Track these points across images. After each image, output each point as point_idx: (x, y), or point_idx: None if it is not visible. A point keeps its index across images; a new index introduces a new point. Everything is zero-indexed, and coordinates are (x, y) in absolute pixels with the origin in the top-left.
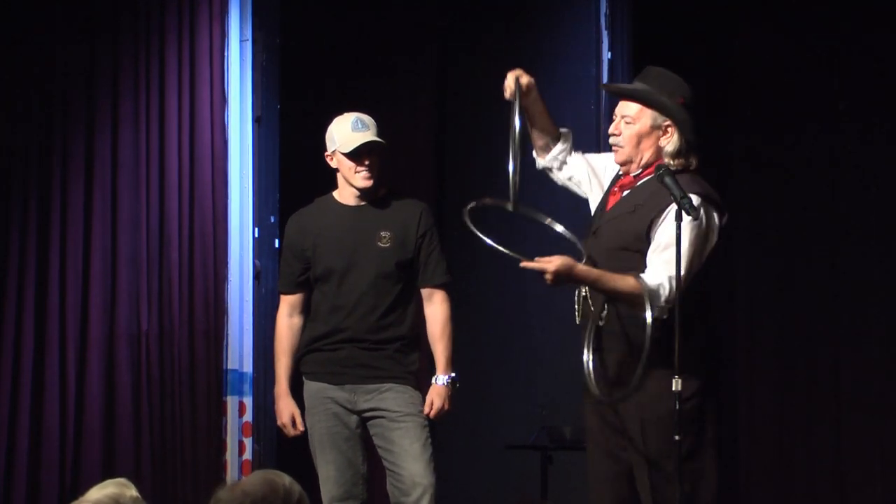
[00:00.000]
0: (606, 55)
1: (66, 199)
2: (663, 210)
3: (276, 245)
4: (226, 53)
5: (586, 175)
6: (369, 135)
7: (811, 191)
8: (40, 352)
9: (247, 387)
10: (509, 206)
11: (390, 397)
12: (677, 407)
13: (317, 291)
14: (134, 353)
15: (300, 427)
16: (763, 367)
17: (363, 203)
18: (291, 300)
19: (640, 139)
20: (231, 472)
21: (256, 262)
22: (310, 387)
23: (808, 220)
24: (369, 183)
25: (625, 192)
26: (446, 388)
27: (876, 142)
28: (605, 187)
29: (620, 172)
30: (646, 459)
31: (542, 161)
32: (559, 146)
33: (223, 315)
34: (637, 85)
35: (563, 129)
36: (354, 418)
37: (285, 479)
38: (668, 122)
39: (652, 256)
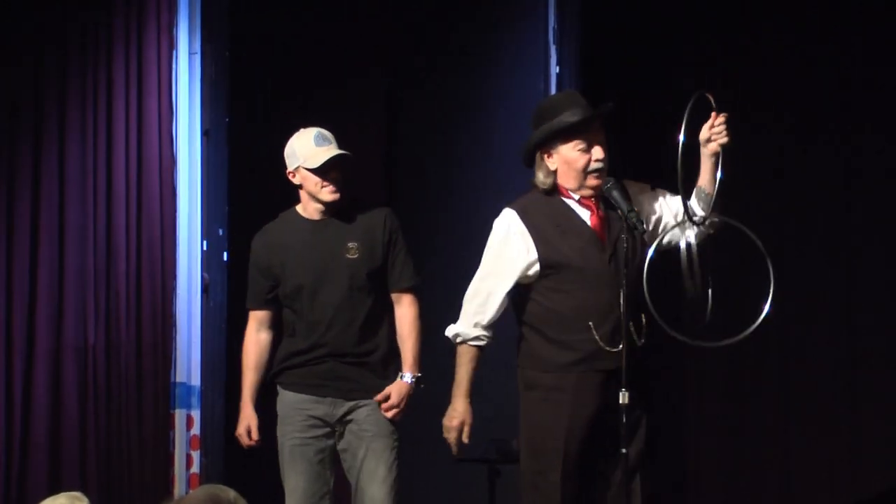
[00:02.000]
0: (555, 70)
1: (13, 211)
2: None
3: (225, 258)
4: (174, 66)
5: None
6: (333, 149)
7: (757, 202)
8: None
9: (194, 400)
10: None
11: (366, 415)
12: (624, 420)
13: (288, 311)
14: (81, 366)
15: (255, 438)
16: (711, 374)
17: (328, 217)
18: (259, 316)
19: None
20: (178, 486)
21: (205, 274)
22: (285, 396)
23: (754, 227)
24: (336, 196)
25: (605, 211)
26: (409, 386)
27: (821, 154)
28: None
29: (579, 202)
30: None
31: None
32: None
33: (171, 328)
34: (591, 110)
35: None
36: (328, 431)
37: (230, 494)
38: None
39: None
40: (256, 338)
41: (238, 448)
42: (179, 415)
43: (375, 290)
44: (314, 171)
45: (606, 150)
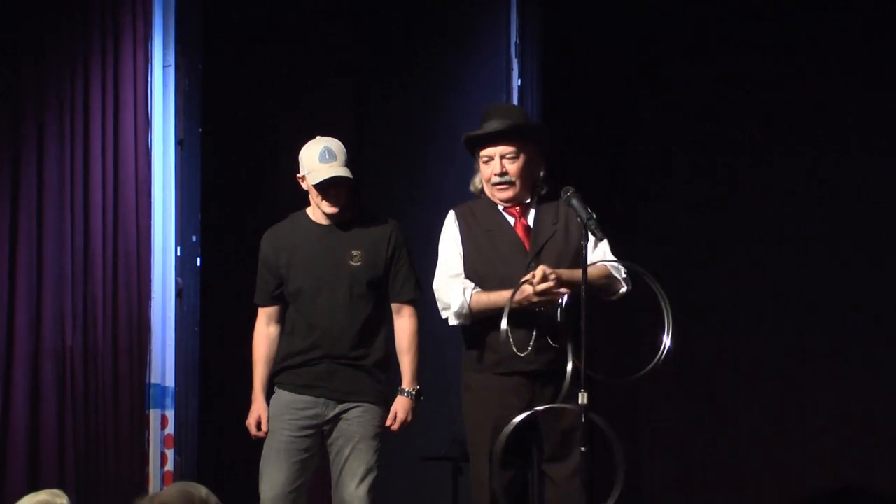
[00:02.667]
0: (516, 82)
1: None
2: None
3: (198, 263)
4: (149, 78)
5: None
6: (335, 167)
7: (707, 204)
8: None
9: (169, 400)
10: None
11: (356, 416)
12: (583, 420)
13: (292, 308)
14: (59, 369)
15: (264, 429)
16: (664, 375)
17: (335, 223)
18: (269, 312)
19: (530, 172)
20: (153, 484)
21: (178, 279)
22: (281, 395)
23: (709, 228)
24: (335, 210)
25: (529, 220)
26: (411, 401)
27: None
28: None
29: (501, 207)
30: (570, 469)
31: None
32: None
33: (146, 331)
34: (506, 121)
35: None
36: (316, 432)
37: (202, 491)
38: (539, 152)
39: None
40: (266, 332)
41: (210, 447)
42: (154, 415)
43: (375, 297)
44: (315, 186)
45: (524, 164)
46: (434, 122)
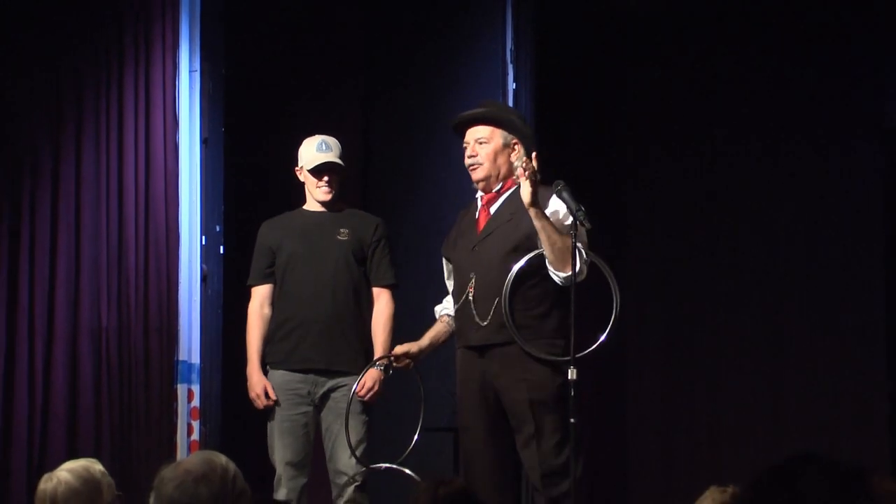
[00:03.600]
0: (511, 85)
1: (35, 210)
2: (546, 202)
3: (221, 251)
4: (177, 82)
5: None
6: (330, 156)
7: (687, 201)
8: (11, 345)
9: (195, 376)
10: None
11: (343, 394)
12: (572, 393)
13: (282, 290)
14: (95, 347)
15: (272, 397)
16: (650, 353)
17: (324, 210)
18: (261, 292)
19: (496, 156)
20: (180, 451)
21: (203, 266)
22: (274, 375)
23: (689, 225)
24: (328, 197)
25: (493, 208)
26: (380, 373)
27: (749, 159)
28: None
29: (480, 194)
30: (535, 433)
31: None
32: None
33: (174, 312)
34: (480, 110)
35: (444, 320)
36: (311, 409)
37: (222, 459)
38: (515, 140)
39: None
40: (260, 312)
41: (232, 418)
42: (181, 389)
43: (357, 274)
44: (311, 171)
45: (494, 149)
46: (435, 121)
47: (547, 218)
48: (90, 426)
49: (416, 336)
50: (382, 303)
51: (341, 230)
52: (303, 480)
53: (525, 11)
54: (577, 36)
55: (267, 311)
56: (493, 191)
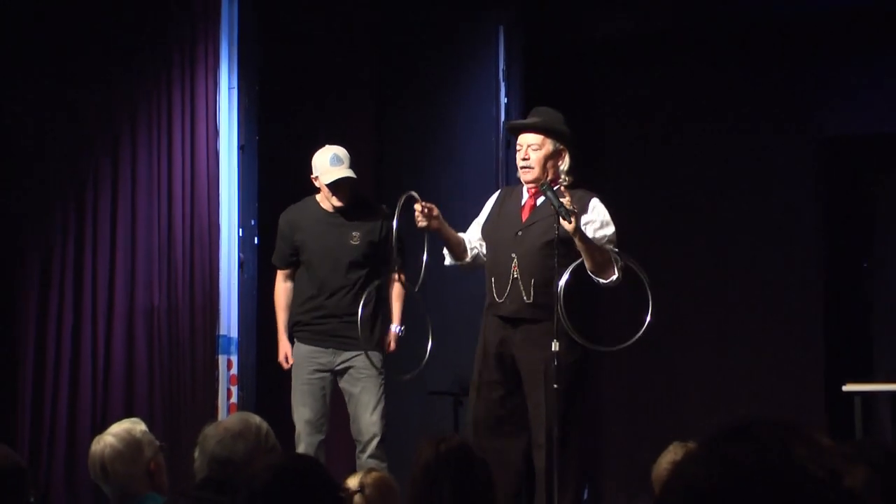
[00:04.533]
0: (503, 100)
1: (97, 209)
2: (585, 209)
3: (256, 242)
4: (217, 97)
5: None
6: (342, 169)
7: (648, 200)
8: (78, 323)
9: (233, 348)
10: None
11: (359, 360)
12: (555, 363)
13: (303, 274)
14: (148, 324)
15: (291, 361)
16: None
17: (338, 211)
18: (285, 272)
19: (545, 161)
20: (221, 413)
21: (241, 255)
22: (299, 348)
23: (652, 223)
24: (341, 205)
25: (538, 201)
26: (396, 335)
27: (702, 164)
28: (491, 210)
29: (525, 188)
30: (545, 394)
31: (467, 260)
32: (468, 247)
33: (216, 294)
34: (535, 120)
35: (469, 245)
36: (329, 376)
37: (256, 419)
38: (562, 147)
39: (597, 236)
40: (284, 287)
41: (265, 384)
42: (222, 359)
43: (368, 269)
44: (327, 185)
45: (544, 155)
46: (438, 129)
47: (588, 240)
48: (144, 391)
49: (422, 321)
50: (396, 281)
51: (353, 234)
52: (320, 437)
53: (516, 36)
54: (560, 57)
55: (289, 284)
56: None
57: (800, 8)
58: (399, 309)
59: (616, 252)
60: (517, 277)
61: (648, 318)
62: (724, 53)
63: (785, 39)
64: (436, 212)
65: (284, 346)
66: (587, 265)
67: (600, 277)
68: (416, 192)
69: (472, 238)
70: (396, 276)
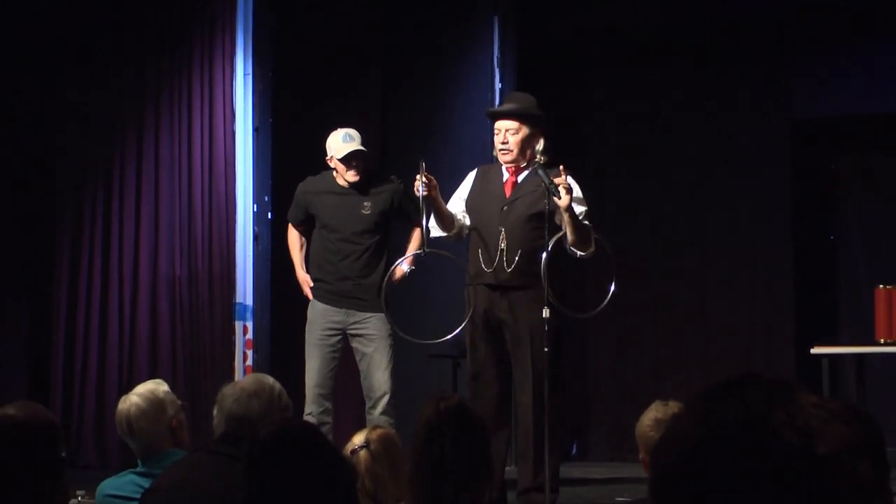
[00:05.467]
0: (498, 85)
1: (123, 185)
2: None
3: (269, 216)
4: (234, 83)
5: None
6: (355, 145)
7: (632, 178)
8: (105, 291)
9: (249, 314)
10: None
11: (371, 322)
12: (546, 328)
13: (319, 240)
14: (171, 291)
15: (310, 284)
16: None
17: (351, 187)
18: (297, 229)
19: (523, 144)
20: (237, 373)
21: (255, 228)
22: (315, 305)
23: (650, 192)
24: (356, 179)
25: (519, 178)
26: (404, 272)
27: (682, 145)
28: (472, 187)
29: (504, 168)
30: (531, 356)
31: (453, 231)
32: (456, 220)
33: (233, 264)
34: (511, 105)
35: (457, 218)
36: (340, 336)
37: (270, 380)
38: (537, 130)
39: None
40: (297, 235)
41: (278, 348)
42: (238, 325)
43: (378, 235)
44: (340, 160)
45: (522, 138)
46: (438, 113)
47: (576, 216)
48: (168, 354)
49: (424, 294)
50: (414, 234)
51: (365, 204)
52: (327, 391)
53: (509, 26)
54: (552, 46)
55: (301, 234)
56: (521, 166)
57: None
58: (415, 242)
59: (589, 227)
60: (504, 248)
61: (612, 288)
62: (705, 43)
63: (760, 28)
64: (434, 183)
65: (302, 276)
66: (570, 238)
67: (579, 250)
68: (416, 171)
69: (456, 211)
70: (418, 230)
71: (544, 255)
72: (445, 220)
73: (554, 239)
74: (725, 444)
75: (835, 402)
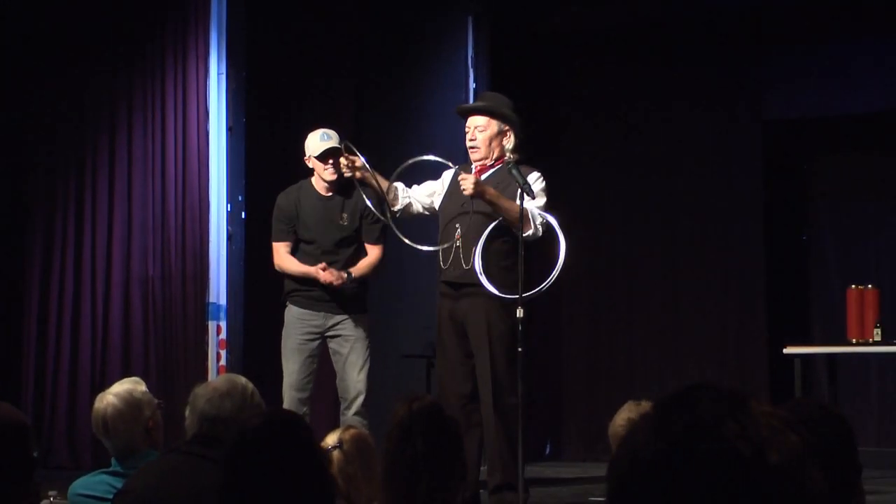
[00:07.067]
0: (472, 85)
1: (96, 184)
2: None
3: (243, 216)
4: (207, 83)
5: (428, 196)
6: (332, 143)
7: (605, 177)
8: (78, 290)
9: (222, 314)
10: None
11: (348, 325)
12: (521, 328)
13: (302, 249)
14: (144, 291)
15: (326, 269)
16: (580, 288)
17: (330, 194)
18: (284, 245)
19: (490, 141)
20: (211, 374)
21: (229, 228)
22: (291, 310)
23: (623, 190)
24: (334, 177)
25: (483, 177)
26: (343, 277)
27: (655, 144)
28: (447, 188)
29: (474, 166)
30: (490, 356)
31: (396, 208)
32: (400, 196)
33: (206, 264)
34: (479, 103)
35: (393, 185)
36: (319, 339)
37: (243, 380)
38: (507, 128)
39: (528, 204)
40: (287, 255)
41: (252, 348)
42: (212, 325)
43: (354, 245)
44: (318, 157)
45: (489, 136)
46: (412, 112)
47: (496, 199)
48: (140, 354)
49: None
50: (372, 253)
51: (342, 215)
52: (305, 395)
53: (483, 27)
54: (525, 47)
55: (290, 254)
56: (488, 165)
57: None
58: (361, 270)
59: (542, 213)
60: (459, 245)
61: (556, 269)
62: (676, 43)
63: (731, 29)
64: (358, 163)
65: (313, 270)
66: (508, 221)
67: (516, 229)
68: (393, 169)
69: (415, 192)
70: (375, 249)
71: (478, 246)
72: (387, 195)
73: (491, 226)
74: (678, 457)
75: (806, 402)
